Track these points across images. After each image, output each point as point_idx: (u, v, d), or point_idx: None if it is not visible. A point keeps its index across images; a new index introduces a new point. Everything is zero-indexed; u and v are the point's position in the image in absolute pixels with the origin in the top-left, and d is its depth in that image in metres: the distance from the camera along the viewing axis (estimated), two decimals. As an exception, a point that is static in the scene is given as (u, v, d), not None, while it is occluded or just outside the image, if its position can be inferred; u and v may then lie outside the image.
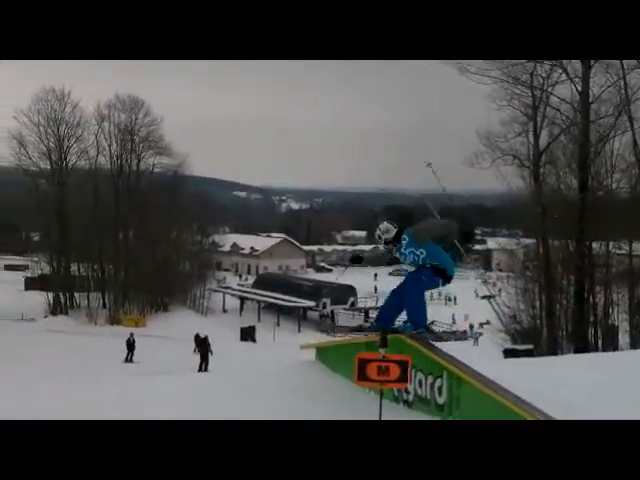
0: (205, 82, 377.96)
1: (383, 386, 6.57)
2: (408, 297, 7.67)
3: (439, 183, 8.27)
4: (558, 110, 29.97)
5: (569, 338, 29.00)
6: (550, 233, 30.31)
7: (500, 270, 58.70)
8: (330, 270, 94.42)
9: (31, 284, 60.36)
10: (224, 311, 62.04)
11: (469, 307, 57.41)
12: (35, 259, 60.22)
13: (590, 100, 28.69)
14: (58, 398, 10.07)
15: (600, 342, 28.64)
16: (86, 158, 57.69)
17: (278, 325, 54.66)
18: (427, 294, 7.97)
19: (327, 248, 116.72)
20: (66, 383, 17.73)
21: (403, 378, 6.40)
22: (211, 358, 27.57)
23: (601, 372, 9.54)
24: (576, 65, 28.48)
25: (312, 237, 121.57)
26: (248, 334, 47.70)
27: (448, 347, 8.54)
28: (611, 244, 29.89)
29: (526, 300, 31.23)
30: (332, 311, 60.03)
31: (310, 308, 60.59)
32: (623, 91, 28.21)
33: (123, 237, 58.58)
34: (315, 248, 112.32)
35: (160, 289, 57.21)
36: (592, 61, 27.40)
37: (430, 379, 7.74)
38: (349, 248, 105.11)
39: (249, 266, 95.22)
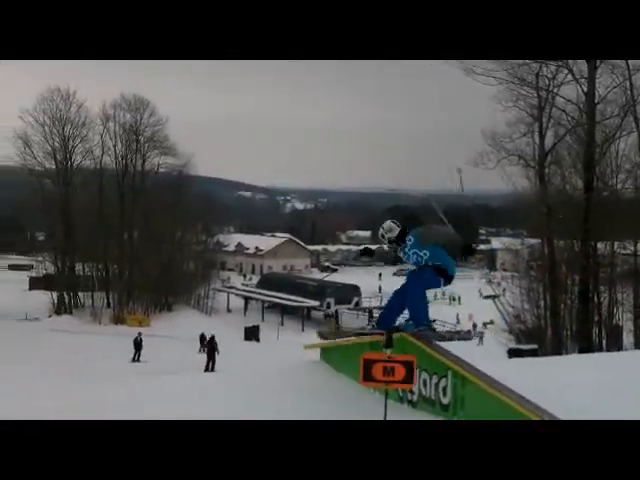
0: (205, 82, 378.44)
1: (388, 386, 6.55)
2: (410, 296, 7.70)
3: (460, 184, 8.12)
4: (564, 111, 29.91)
5: (573, 338, 28.95)
6: (555, 233, 30.28)
7: (504, 270, 58.75)
8: (335, 270, 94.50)
9: (35, 284, 60.40)
10: (228, 311, 62.11)
11: (473, 307, 57.40)
12: (40, 259, 60.44)
13: (596, 101, 28.64)
14: (60, 398, 10.05)
15: (604, 342, 28.58)
16: (91, 158, 58.08)
17: (282, 325, 54.71)
18: (431, 294, 7.98)
19: (332, 248, 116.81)
20: (72, 382, 17.84)
21: (408, 379, 6.40)
22: (216, 358, 27.56)
23: (606, 372, 9.52)
24: (582, 66, 28.44)
25: (316, 237, 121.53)
26: (252, 334, 47.71)
27: (452, 347, 8.50)
28: (616, 244, 29.84)
29: (530, 300, 31.21)
30: (336, 311, 60.04)
31: (314, 308, 60.61)
32: (629, 92, 28.15)
33: (128, 237, 58.71)
34: (320, 248, 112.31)
35: (164, 289, 57.34)
36: (598, 62, 27.37)
37: (435, 379, 7.74)
38: (353, 248, 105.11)
39: (253, 266, 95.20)
